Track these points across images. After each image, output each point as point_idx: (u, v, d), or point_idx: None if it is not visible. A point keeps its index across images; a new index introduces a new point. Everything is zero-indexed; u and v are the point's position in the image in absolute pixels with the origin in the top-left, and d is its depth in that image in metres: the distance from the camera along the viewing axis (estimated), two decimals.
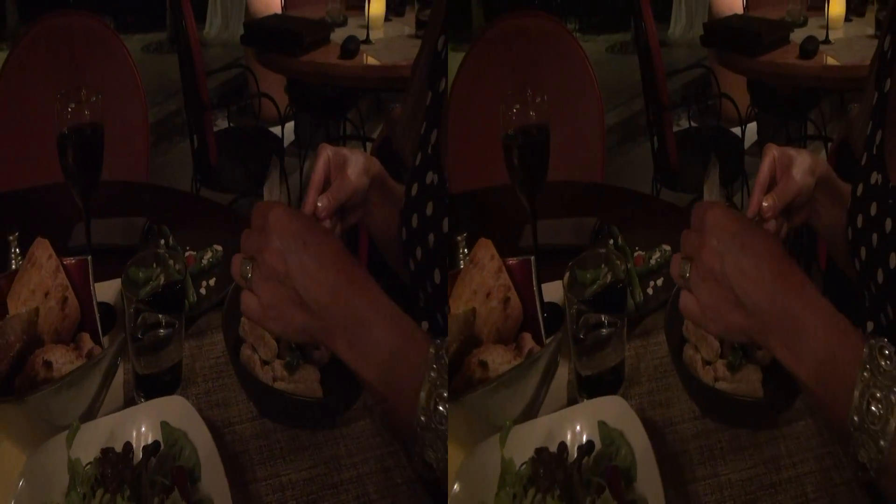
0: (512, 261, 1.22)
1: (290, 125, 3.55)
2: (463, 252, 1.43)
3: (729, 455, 1.14)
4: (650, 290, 1.46)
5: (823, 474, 1.11)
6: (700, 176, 2.91)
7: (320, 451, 1.15)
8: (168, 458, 1.07)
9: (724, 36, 3.02)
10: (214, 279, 1.46)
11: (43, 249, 1.31)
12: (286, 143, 3.42)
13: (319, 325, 0.97)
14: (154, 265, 1.23)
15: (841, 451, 1.12)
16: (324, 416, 1.18)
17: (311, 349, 1.21)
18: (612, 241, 1.56)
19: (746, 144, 3.23)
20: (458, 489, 0.99)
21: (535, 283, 1.22)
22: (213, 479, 1.04)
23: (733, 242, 0.91)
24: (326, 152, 1.19)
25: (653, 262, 1.51)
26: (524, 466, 1.00)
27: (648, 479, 1.00)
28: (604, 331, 1.19)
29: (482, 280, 1.17)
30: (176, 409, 1.11)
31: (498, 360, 1.12)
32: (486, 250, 1.19)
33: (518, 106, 1.34)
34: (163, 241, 1.53)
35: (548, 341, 1.07)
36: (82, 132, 1.39)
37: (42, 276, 1.29)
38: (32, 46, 2.41)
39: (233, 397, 1.23)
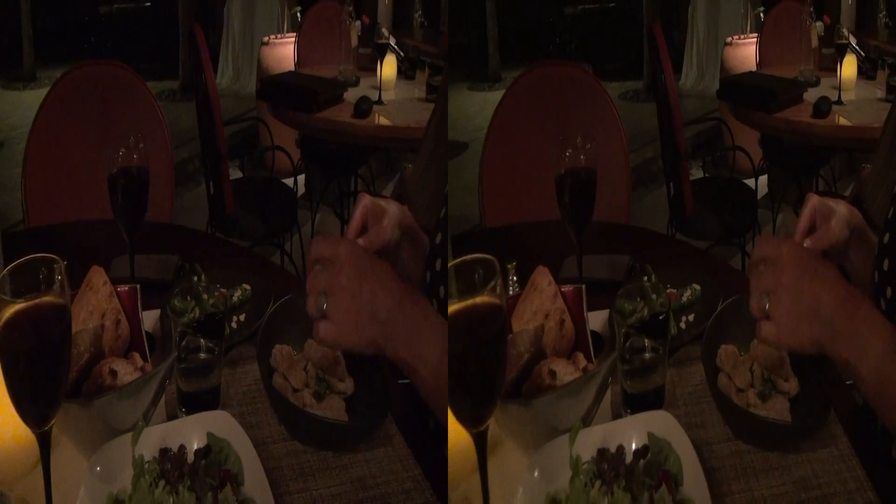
0: (565, 288, 1.33)
1: (300, 178, 3.61)
2: (513, 279, 1.54)
3: (761, 474, 1.24)
4: (682, 325, 1.58)
5: (847, 496, 1.21)
6: (715, 224, 3.04)
7: (346, 471, 1.26)
8: (215, 462, 1.18)
9: (740, 91, 3.16)
10: (244, 315, 1.58)
11: (99, 276, 1.43)
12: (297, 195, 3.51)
13: (386, 333, 1.14)
14: (189, 298, 1.34)
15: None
16: (349, 439, 1.29)
17: (336, 382, 1.34)
18: (645, 278, 1.68)
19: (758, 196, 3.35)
20: (537, 475, 1.14)
21: (584, 309, 1.32)
22: (256, 484, 1.16)
23: (810, 273, 1.10)
24: (365, 201, 1.32)
25: (684, 299, 1.63)
26: (589, 462, 1.12)
27: (695, 484, 1.11)
28: (647, 355, 1.30)
29: (541, 303, 1.28)
30: (220, 422, 1.22)
31: (563, 371, 1.24)
32: (543, 276, 1.30)
33: (570, 150, 1.50)
34: (196, 278, 1.63)
35: (607, 359, 1.19)
36: (130, 174, 1.56)
37: (98, 299, 1.41)
38: (66, 91, 2.54)
39: (265, 420, 1.34)
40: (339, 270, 1.14)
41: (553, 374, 1.24)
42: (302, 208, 3.50)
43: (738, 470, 1.25)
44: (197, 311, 1.33)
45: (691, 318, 1.59)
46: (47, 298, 1.01)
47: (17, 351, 1.01)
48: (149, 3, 4.73)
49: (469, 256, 1.00)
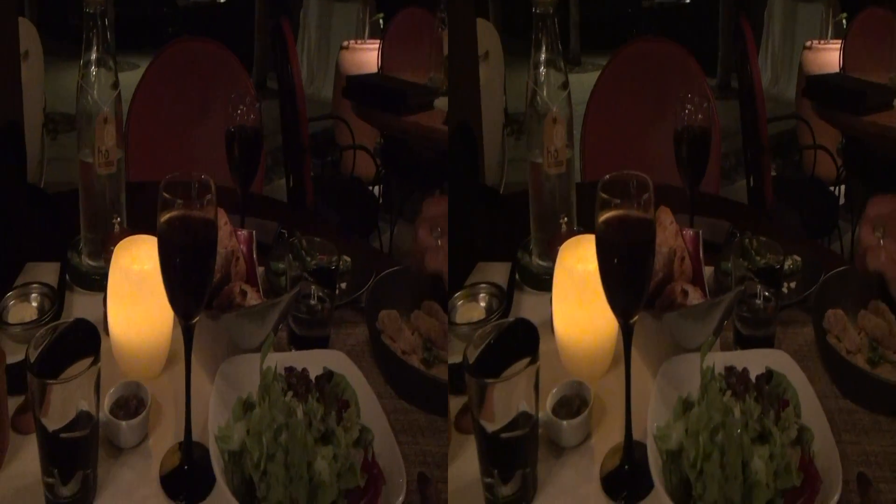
0: (685, 230, 1.36)
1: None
2: None
3: (871, 433, 1.25)
4: (785, 290, 1.59)
5: None
6: (794, 220, 3.03)
7: None
8: (334, 392, 1.21)
9: (828, 91, 3.14)
10: (346, 283, 1.58)
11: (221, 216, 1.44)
12: None
13: None
14: (293, 258, 1.40)
15: None
16: None
17: (442, 353, 1.38)
18: (747, 242, 1.70)
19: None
20: (669, 380, 1.20)
21: (701, 251, 1.36)
22: (373, 416, 1.19)
23: None
24: None
25: (786, 268, 1.64)
26: (719, 376, 1.15)
27: (814, 416, 1.15)
28: (760, 302, 1.34)
29: (664, 238, 1.31)
30: (336, 358, 1.26)
31: (693, 294, 1.29)
32: (666, 215, 1.34)
33: (689, 107, 1.53)
34: (297, 243, 1.66)
35: (731, 292, 1.25)
36: (246, 131, 1.64)
37: (221, 236, 1.40)
38: (165, 64, 2.59)
39: (370, 380, 1.33)
40: None
41: (685, 293, 1.29)
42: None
43: (848, 424, 1.26)
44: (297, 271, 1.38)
45: (793, 285, 1.60)
46: (199, 212, 1.11)
47: (175, 246, 1.12)
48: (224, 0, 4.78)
49: (625, 172, 1.07)
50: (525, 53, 1.60)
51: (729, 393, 1.12)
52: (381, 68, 3.85)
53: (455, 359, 1.21)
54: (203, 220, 1.10)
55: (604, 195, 1.10)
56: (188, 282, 1.12)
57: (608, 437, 1.25)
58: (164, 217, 1.09)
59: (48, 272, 1.52)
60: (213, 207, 1.10)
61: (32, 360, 1.07)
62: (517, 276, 1.56)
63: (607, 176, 1.11)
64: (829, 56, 4.08)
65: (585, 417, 1.23)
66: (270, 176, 3.76)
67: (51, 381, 1.06)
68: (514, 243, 1.60)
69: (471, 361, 1.09)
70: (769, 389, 1.16)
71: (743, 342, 1.37)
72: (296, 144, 2.96)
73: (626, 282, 1.13)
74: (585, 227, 1.53)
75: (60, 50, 2.53)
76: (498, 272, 1.55)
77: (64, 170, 2.41)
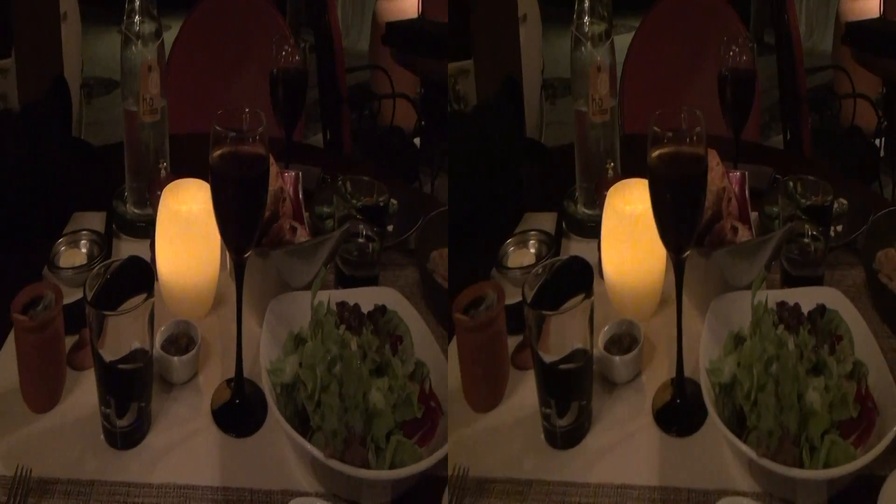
0: (730, 172, 1.35)
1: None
2: None
3: None
4: (832, 233, 1.58)
5: None
6: (834, 171, 2.99)
7: None
8: (387, 327, 1.21)
9: (869, 36, 3.08)
10: (392, 226, 1.56)
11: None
12: None
13: None
14: (338, 201, 1.38)
15: None
16: None
17: None
18: (792, 186, 1.69)
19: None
20: (719, 316, 1.20)
21: (747, 192, 1.35)
22: (428, 351, 1.18)
23: None
24: None
25: (835, 210, 1.63)
26: (771, 310, 1.15)
27: (868, 350, 1.14)
28: (808, 241, 1.34)
29: (711, 178, 1.30)
30: (389, 295, 1.25)
31: (741, 231, 1.28)
32: (713, 157, 1.32)
33: (734, 48, 1.52)
34: (342, 185, 1.67)
35: (781, 228, 1.26)
36: (290, 73, 1.62)
37: (277, 178, 1.43)
38: (201, 19, 2.58)
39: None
40: None
41: (735, 230, 1.28)
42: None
43: None
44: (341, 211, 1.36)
45: (839, 228, 1.59)
46: (251, 146, 1.11)
47: (227, 179, 1.12)
48: None
49: (677, 106, 1.09)
50: (561, 19, 1.60)
51: (782, 327, 1.12)
52: (422, 13, 3.78)
53: (508, 301, 1.22)
54: (255, 153, 1.10)
55: (657, 129, 1.09)
56: (240, 215, 1.12)
57: (657, 375, 1.26)
58: (217, 152, 1.09)
59: (94, 221, 1.53)
60: (265, 140, 1.10)
61: (90, 294, 1.08)
62: (563, 225, 1.56)
63: (659, 111, 1.11)
64: (869, 4, 4.00)
65: (637, 354, 1.24)
66: (306, 134, 3.75)
67: (108, 313, 1.07)
68: (560, 194, 1.61)
69: (528, 298, 1.10)
70: (822, 325, 1.16)
71: (792, 283, 1.36)
72: (333, 96, 2.94)
73: (679, 216, 1.13)
74: (628, 176, 1.54)
75: (97, 14, 2.54)
76: (545, 221, 1.56)
77: (100, 132, 2.43)
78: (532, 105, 2.38)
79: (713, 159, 1.33)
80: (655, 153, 1.10)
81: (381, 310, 1.21)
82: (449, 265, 1.32)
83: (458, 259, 1.35)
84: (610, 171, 1.55)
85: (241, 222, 1.13)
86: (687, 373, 1.20)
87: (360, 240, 1.36)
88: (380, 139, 3.24)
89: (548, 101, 2.70)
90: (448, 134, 1.77)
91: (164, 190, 1.34)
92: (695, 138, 1.09)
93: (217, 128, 1.09)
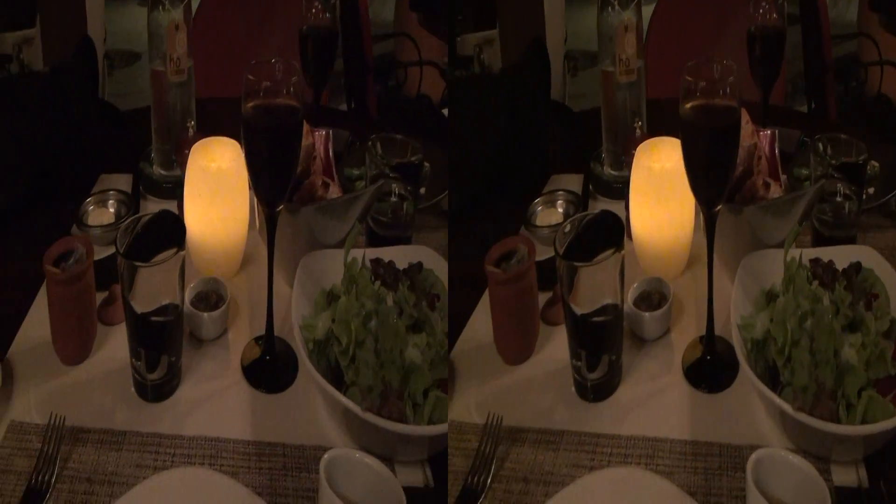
0: (760, 131, 1.33)
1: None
2: None
3: None
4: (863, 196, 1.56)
5: None
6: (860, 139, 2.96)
7: None
8: (424, 285, 1.20)
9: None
10: (424, 189, 1.54)
11: None
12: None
13: None
14: (368, 162, 1.37)
15: None
16: None
17: None
18: (822, 146, 1.67)
19: None
20: (750, 273, 1.19)
21: (777, 151, 1.34)
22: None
23: None
24: None
25: (868, 172, 1.61)
26: (805, 267, 1.14)
27: None
28: (840, 199, 1.33)
29: (742, 135, 1.28)
30: (424, 253, 1.25)
31: (773, 187, 1.28)
32: (744, 115, 1.30)
33: (764, 5, 1.49)
34: (372, 146, 1.65)
35: (814, 185, 1.24)
36: (319, 32, 1.61)
37: (308, 135, 1.42)
38: None
39: None
40: None
41: (767, 185, 1.27)
42: None
43: None
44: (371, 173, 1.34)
45: (871, 190, 1.57)
46: (283, 98, 1.10)
47: (260, 131, 1.11)
48: None
49: (709, 57, 1.08)
50: None
51: (816, 283, 1.11)
52: None
53: (538, 258, 1.21)
54: (288, 105, 1.09)
55: (689, 78, 1.08)
56: (273, 167, 1.12)
57: (686, 332, 1.26)
58: (250, 103, 1.08)
59: (121, 182, 1.54)
60: (300, 91, 1.10)
61: (121, 246, 1.08)
62: (590, 187, 1.56)
63: (692, 62, 1.10)
64: None
65: (666, 310, 1.23)
66: (330, 104, 3.71)
67: (140, 264, 1.07)
68: (586, 156, 1.60)
69: (560, 250, 1.10)
70: (857, 282, 1.15)
71: (824, 243, 1.34)
72: (358, 65, 2.91)
73: (711, 169, 1.12)
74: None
75: None
76: (571, 182, 1.56)
77: (122, 104, 2.43)
78: (556, 72, 2.36)
79: (743, 117, 1.32)
80: (688, 105, 1.09)
81: (417, 267, 1.20)
82: (449, 251, 1.30)
83: (458, 239, 1.34)
84: (638, 131, 1.54)
85: (273, 175, 1.12)
86: (716, 331, 1.19)
87: (394, 198, 1.35)
88: (407, 108, 3.20)
89: (569, 73, 2.69)
90: (448, 102, 1.75)
91: (193, 147, 1.33)
92: (728, 90, 1.07)
93: (250, 77, 1.08)
